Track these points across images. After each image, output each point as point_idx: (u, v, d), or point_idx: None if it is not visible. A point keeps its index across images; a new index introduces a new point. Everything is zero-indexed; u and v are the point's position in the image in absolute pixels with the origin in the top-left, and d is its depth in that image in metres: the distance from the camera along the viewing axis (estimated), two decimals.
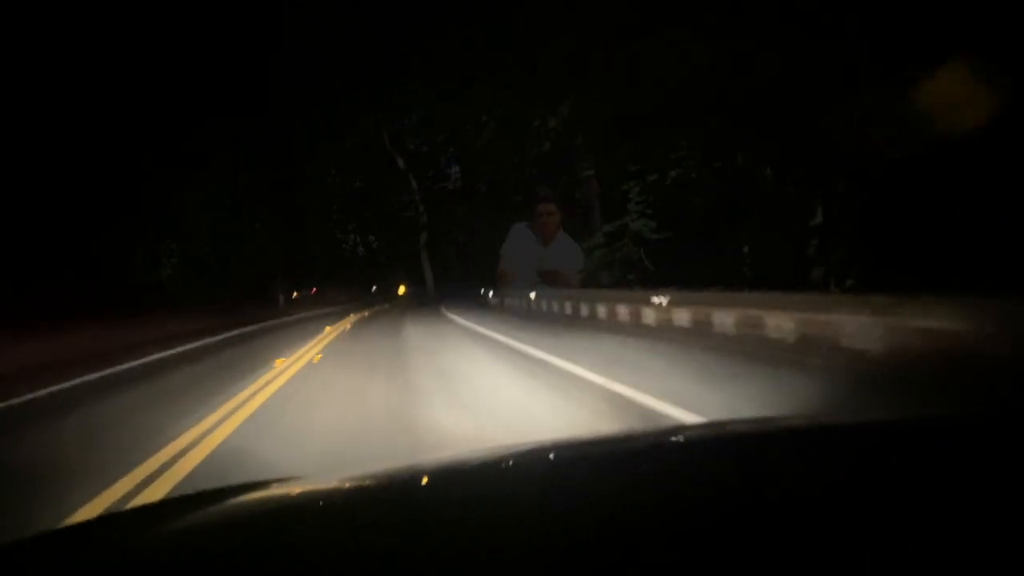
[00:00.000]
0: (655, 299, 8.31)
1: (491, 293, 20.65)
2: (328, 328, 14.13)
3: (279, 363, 7.65)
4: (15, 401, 6.12)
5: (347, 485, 1.04)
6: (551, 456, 1.10)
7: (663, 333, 8.16)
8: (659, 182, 15.92)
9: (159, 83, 19.30)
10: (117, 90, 18.29)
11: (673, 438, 1.29)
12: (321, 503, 0.98)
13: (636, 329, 9.03)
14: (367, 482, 1.05)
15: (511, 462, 1.07)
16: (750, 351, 6.22)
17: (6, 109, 15.84)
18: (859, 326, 4.95)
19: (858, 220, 12.18)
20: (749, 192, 15.25)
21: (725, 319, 6.86)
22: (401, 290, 38.16)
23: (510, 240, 18.07)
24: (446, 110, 29.81)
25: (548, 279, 16.53)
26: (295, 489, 1.06)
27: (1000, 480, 0.76)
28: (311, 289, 36.01)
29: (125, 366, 8.46)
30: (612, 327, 9.85)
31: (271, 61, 23.04)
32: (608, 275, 17.00)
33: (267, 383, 6.06)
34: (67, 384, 7.02)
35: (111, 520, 1.01)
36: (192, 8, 20.42)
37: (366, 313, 21.90)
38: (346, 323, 16.26)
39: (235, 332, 14.54)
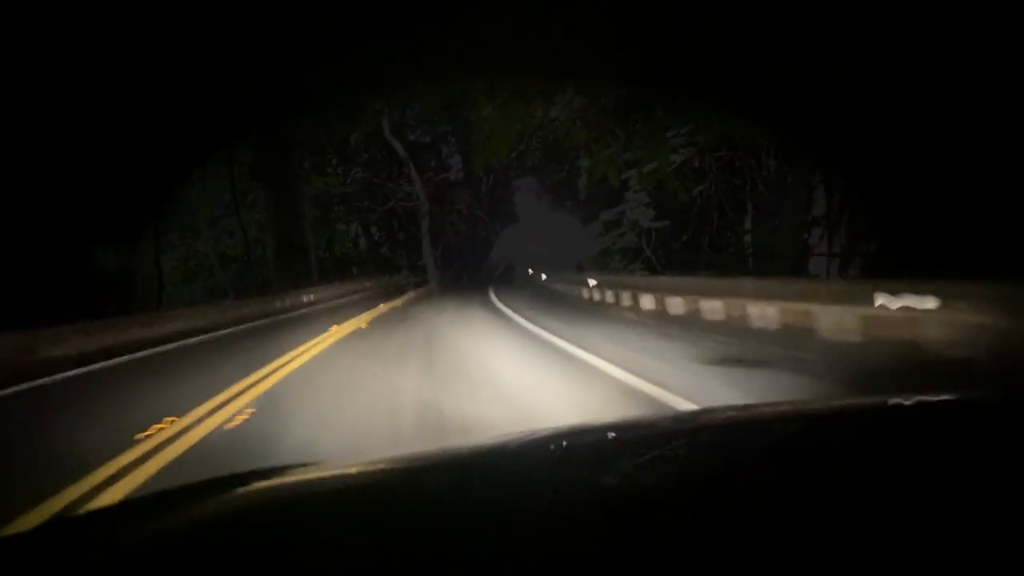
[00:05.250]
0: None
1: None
2: None
3: None
4: None
5: (362, 471, 1.05)
6: (570, 442, 1.11)
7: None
8: (659, 170, 15.75)
9: (154, 81, 19.15)
10: (112, 88, 18.15)
11: (695, 423, 1.30)
12: (335, 490, 0.97)
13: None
14: (383, 468, 1.06)
15: (528, 448, 1.08)
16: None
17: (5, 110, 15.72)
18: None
19: (859, 211, 12.03)
20: (751, 182, 15.12)
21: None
22: None
23: (501, 241, 17.95)
24: (447, 99, 29.56)
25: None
26: (310, 475, 1.07)
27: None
28: None
29: None
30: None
31: (269, 51, 22.84)
32: (613, 262, 16.93)
33: None
34: None
35: (128, 507, 0.99)
36: (187, 4, 20.25)
37: None
38: None
39: None
